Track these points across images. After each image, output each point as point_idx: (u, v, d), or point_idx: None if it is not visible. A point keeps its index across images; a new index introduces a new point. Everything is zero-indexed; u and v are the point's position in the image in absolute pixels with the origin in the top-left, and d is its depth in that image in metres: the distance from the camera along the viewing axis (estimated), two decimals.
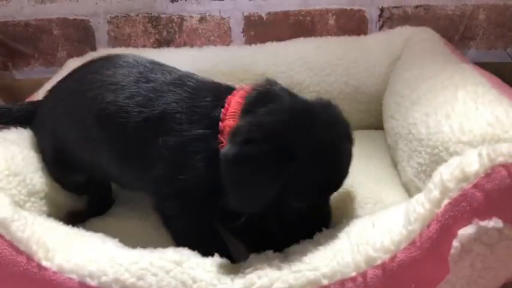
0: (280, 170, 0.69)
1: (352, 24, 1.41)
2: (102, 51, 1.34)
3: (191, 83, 0.81)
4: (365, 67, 1.24)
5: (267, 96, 0.76)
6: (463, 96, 0.84)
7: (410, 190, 0.91)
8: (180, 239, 0.77)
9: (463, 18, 1.40)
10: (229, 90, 0.81)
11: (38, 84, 1.21)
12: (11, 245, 0.66)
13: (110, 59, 0.88)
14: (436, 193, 0.63)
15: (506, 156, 0.60)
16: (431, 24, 1.33)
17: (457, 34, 1.41)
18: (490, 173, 0.60)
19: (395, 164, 1.03)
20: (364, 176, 0.96)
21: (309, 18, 1.41)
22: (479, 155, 0.62)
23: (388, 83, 1.21)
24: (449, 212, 0.61)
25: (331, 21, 1.41)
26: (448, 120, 0.81)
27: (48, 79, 1.24)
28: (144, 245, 0.74)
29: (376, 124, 1.23)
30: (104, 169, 0.86)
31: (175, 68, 0.87)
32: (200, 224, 0.78)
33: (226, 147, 0.70)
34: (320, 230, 0.74)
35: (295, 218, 0.75)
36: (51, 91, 0.95)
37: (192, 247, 0.72)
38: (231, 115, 0.75)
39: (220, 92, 0.80)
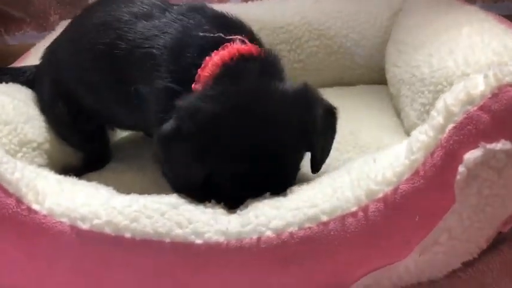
0: (201, 161, 0.68)
1: None
2: None
3: (187, 24, 0.78)
4: (366, 19, 1.21)
5: (242, 71, 0.71)
6: (468, 32, 0.81)
7: None
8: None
9: None
10: (217, 44, 0.75)
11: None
12: (0, 187, 0.63)
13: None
14: (439, 119, 0.60)
15: None
16: None
17: None
18: (497, 93, 0.57)
19: (398, 114, 1.00)
20: (366, 123, 0.94)
21: None
22: (486, 76, 0.59)
23: (390, 36, 1.17)
24: (454, 137, 0.58)
25: None
26: (452, 55, 0.78)
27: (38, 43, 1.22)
28: None
29: (378, 79, 1.19)
30: (104, 108, 0.87)
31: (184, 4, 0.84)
32: None
33: (169, 121, 0.68)
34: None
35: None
36: (51, 44, 0.96)
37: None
38: (203, 80, 0.72)
39: (206, 46, 0.75)
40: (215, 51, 0.73)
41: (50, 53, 0.95)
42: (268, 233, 0.62)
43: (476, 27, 0.82)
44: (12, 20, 1.38)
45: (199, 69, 0.73)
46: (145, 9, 0.82)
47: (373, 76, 1.21)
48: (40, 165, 0.82)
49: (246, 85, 0.70)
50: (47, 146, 0.87)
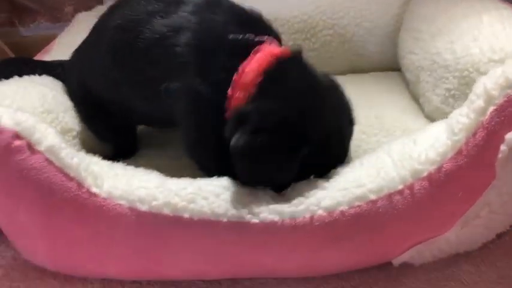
0: (292, 159, 0.68)
1: None
2: (110, 4, 1.32)
3: (209, 21, 0.78)
4: (377, 8, 1.24)
5: (284, 74, 0.73)
6: (488, 20, 0.86)
7: (435, 119, 0.93)
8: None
9: None
10: (247, 47, 0.75)
11: (45, 41, 1.20)
12: (61, 171, 0.66)
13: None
14: (480, 102, 0.65)
15: None
16: None
17: None
18: None
19: (416, 99, 1.05)
20: (390, 108, 0.98)
21: None
22: None
23: (401, 23, 1.21)
24: (495, 118, 0.63)
25: None
26: (477, 43, 0.82)
27: (55, 35, 1.23)
28: None
29: (390, 65, 1.23)
30: (127, 106, 0.87)
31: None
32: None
33: (235, 137, 0.67)
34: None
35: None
36: (79, 46, 0.96)
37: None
38: (242, 86, 0.72)
39: (237, 50, 0.74)
40: (249, 56, 0.73)
41: (77, 53, 0.96)
42: (320, 212, 0.66)
43: (495, 15, 0.87)
44: (26, 12, 1.37)
45: (235, 75, 0.72)
46: (160, 6, 0.81)
47: (385, 63, 1.25)
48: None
49: (297, 86, 0.72)
50: (83, 135, 0.89)
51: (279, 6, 1.25)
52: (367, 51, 1.24)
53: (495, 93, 0.63)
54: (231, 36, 0.76)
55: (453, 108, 0.83)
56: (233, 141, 0.67)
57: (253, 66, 0.72)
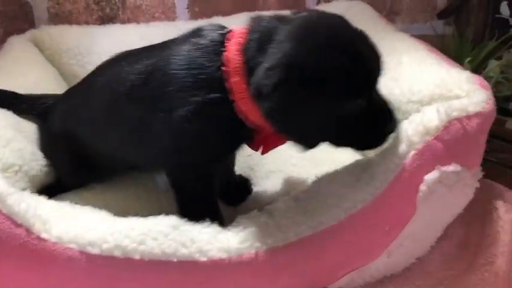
0: (334, 99, 0.68)
1: (290, 0, 1.48)
2: (45, 29, 1.31)
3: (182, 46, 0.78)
4: None
5: (264, 37, 0.72)
6: (407, 61, 0.95)
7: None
8: (185, 203, 0.81)
9: None
10: (220, 44, 0.75)
11: None
12: (9, 218, 0.66)
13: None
14: (403, 147, 0.73)
15: (459, 110, 0.72)
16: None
17: (385, 9, 1.54)
18: (448, 126, 0.71)
19: None
20: None
21: None
22: (438, 111, 0.72)
23: None
24: (416, 162, 0.72)
25: None
26: (397, 83, 0.91)
27: None
28: (129, 215, 0.76)
29: None
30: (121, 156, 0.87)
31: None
32: (206, 191, 0.82)
33: (268, 99, 0.67)
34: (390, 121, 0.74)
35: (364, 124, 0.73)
36: (67, 90, 0.99)
37: (195, 211, 0.77)
38: (234, 69, 0.72)
39: (213, 50, 0.75)
40: (225, 48, 0.74)
41: (64, 98, 0.98)
42: (264, 248, 0.71)
43: (413, 56, 0.96)
44: None
45: (223, 68, 0.73)
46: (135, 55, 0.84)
47: None
48: (22, 188, 0.84)
49: (289, 30, 0.71)
50: (26, 168, 0.88)
51: None
52: None
53: (416, 139, 0.72)
54: (200, 44, 0.76)
55: None
56: (267, 105, 0.67)
57: (233, 52, 0.73)
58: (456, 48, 1.35)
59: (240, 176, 1.00)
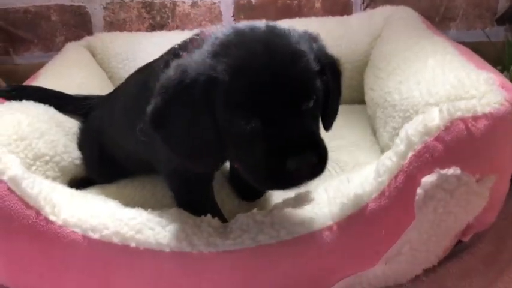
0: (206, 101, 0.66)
1: (337, 7, 1.47)
2: (98, 36, 1.42)
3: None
4: (348, 45, 1.31)
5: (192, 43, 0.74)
6: (432, 64, 0.91)
7: None
8: (182, 205, 0.83)
9: None
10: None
11: (38, 68, 1.28)
12: (22, 200, 0.72)
13: None
14: (402, 147, 0.70)
15: (464, 110, 0.68)
16: (413, 6, 1.39)
17: (438, 15, 1.48)
18: (449, 126, 0.67)
19: (374, 133, 1.10)
20: (346, 141, 1.04)
21: (296, 1, 1.47)
22: (440, 110, 0.69)
23: (369, 59, 1.28)
24: (414, 163, 0.68)
25: (317, 5, 1.48)
26: (419, 86, 0.88)
27: (45, 63, 1.31)
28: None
29: (358, 99, 1.29)
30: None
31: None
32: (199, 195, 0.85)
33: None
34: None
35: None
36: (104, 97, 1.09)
37: (192, 208, 0.80)
38: None
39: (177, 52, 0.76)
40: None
41: (101, 101, 1.08)
42: (254, 245, 0.71)
43: (439, 59, 0.92)
44: (21, 41, 1.47)
45: None
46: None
47: (354, 96, 1.31)
48: (52, 178, 0.92)
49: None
50: (57, 158, 0.96)
51: None
52: None
53: (415, 139, 0.69)
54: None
55: None
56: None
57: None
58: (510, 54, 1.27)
59: None
